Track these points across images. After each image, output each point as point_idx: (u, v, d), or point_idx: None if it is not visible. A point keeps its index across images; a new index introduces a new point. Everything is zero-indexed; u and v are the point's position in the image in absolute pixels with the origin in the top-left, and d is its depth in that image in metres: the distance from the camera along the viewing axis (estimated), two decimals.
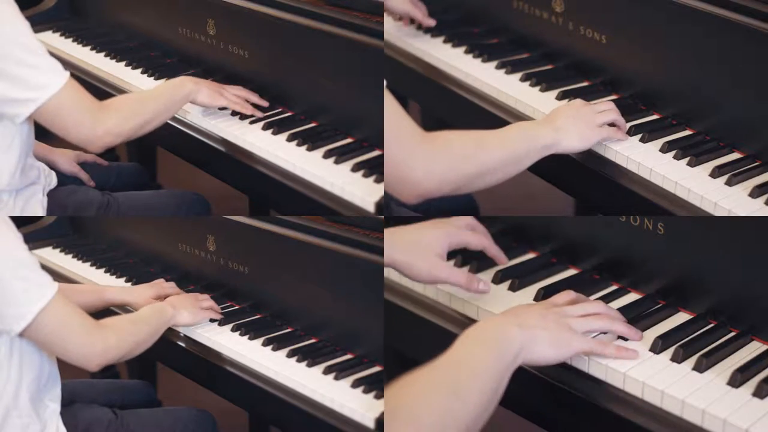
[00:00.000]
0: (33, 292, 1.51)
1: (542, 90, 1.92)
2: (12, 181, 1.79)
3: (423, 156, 1.48)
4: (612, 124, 1.70)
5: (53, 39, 2.51)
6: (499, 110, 1.92)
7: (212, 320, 1.95)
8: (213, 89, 1.96)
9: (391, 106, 1.47)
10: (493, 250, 1.64)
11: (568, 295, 1.50)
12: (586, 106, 1.68)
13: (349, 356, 1.78)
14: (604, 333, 1.48)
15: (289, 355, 1.78)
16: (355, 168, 1.80)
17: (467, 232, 1.62)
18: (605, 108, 1.70)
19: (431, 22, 2.13)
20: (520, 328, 1.34)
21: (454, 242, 1.59)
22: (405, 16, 2.15)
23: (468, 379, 1.27)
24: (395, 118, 1.47)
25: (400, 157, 1.47)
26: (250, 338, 1.86)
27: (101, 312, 2.06)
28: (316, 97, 1.99)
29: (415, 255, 1.55)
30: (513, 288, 1.66)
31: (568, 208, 2.71)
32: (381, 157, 1.74)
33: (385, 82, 1.49)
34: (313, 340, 1.85)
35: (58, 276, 2.28)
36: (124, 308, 2.03)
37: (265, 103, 2.03)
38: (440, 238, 1.57)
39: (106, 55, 2.38)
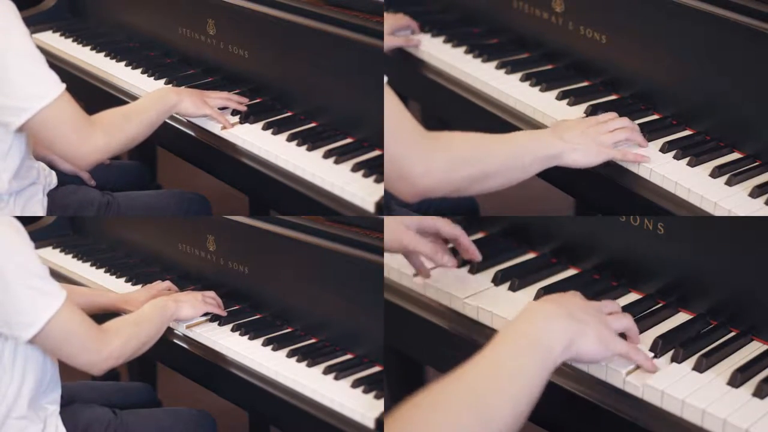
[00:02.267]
0: (42, 301, 1.52)
1: (542, 90, 1.91)
2: (11, 184, 1.78)
3: (423, 154, 1.47)
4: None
5: (53, 39, 2.51)
6: (499, 110, 1.92)
7: (212, 320, 1.95)
8: (196, 98, 1.95)
9: (392, 102, 1.47)
10: (465, 241, 1.66)
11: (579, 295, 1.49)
12: (599, 125, 1.66)
13: (349, 356, 1.78)
14: None
15: (289, 355, 1.78)
16: (355, 168, 1.80)
17: (444, 220, 1.65)
18: (617, 126, 1.66)
19: (418, 43, 2.13)
20: (570, 319, 1.27)
21: (425, 224, 1.63)
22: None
23: (501, 388, 1.15)
24: (396, 114, 1.46)
25: (400, 154, 1.47)
26: (250, 338, 1.86)
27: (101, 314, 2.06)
28: (316, 97, 1.99)
29: (385, 225, 1.59)
30: (513, 288, 1.66)
31: (568, 208, 2.71)
32: (381, 157, 1.74)
33: (386, 79, 1.48)
34: (313, 340, 1.85)
35: (58, 276, 2.28)
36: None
37: (245, 100, 2.04)
38: (413, 218, 1.63)
39: (106, 55, 2.38)
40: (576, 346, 1.26)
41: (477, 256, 1.67)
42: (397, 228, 1.58)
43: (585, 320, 1.30)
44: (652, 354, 1.45)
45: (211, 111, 1.97)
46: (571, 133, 1.62)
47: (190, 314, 1.90)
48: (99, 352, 1.59)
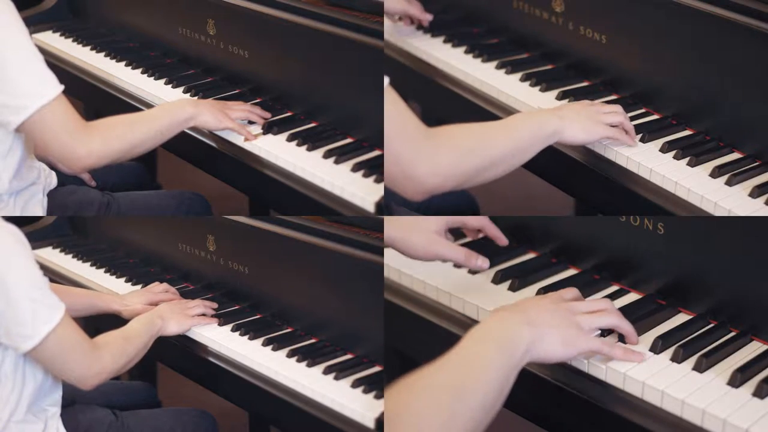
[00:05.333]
0: (43, 313, 1.52)
1: (542, 90, 1.92)
2: (12, 184, 1.78)
3: (428, 152, 1.47)
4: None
5: (53, 39, 2.51)
6: (499, 110, 1.92)
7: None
8: (217, 111, 1.89)
9: (393, 102, 1.46)
10: (492, 229, 1.69)
11: (573, 291, 1.50)
12: (593, 105, 1.69)
13: (349, 356, 1.78)
14: (603, 334, 1.48)
15: (289, 355, 1.78)
16: (355, 168, 1.80)
17: (467, 216, 1.68)
18: (612, 109, 1.69)
19: (428, 17, 2.14)
20: (529, 325, 1.31)
21: (451, 221, 1.65)
22: (402, 16, 2.15)
23: (473, 381, 1.24)
24: (398, 114, 1.46)
25: (405, 154, 1.46)
26: (250, 338, 1.86)
27: (95, 324, 2.07)
28: (316, 97, 1.99)
29: (412, 231, 1.59)
30: (513, 288, 1.66)
31: (568, 208, 2.71)
32: (381, 157, 1.74)
33: (388, 80, 1.48)
34: (313, 340, 1.85)
35: (58, 276, 2.28)
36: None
37: (268, 115, 1.99)
38: (438, 219, 1.63)
39: (106, 55, 2.38)
40: (536, 349, 1.31)
41: (504, 241, 1.71)
42: (424, 235, 1.58)
43: (546, 323, 1.33)
44: (651, 354, 1.45)
45: (232, 124, 1.91)
46: (567, 110, 1.64)
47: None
48: (90, 367, 1.59)
